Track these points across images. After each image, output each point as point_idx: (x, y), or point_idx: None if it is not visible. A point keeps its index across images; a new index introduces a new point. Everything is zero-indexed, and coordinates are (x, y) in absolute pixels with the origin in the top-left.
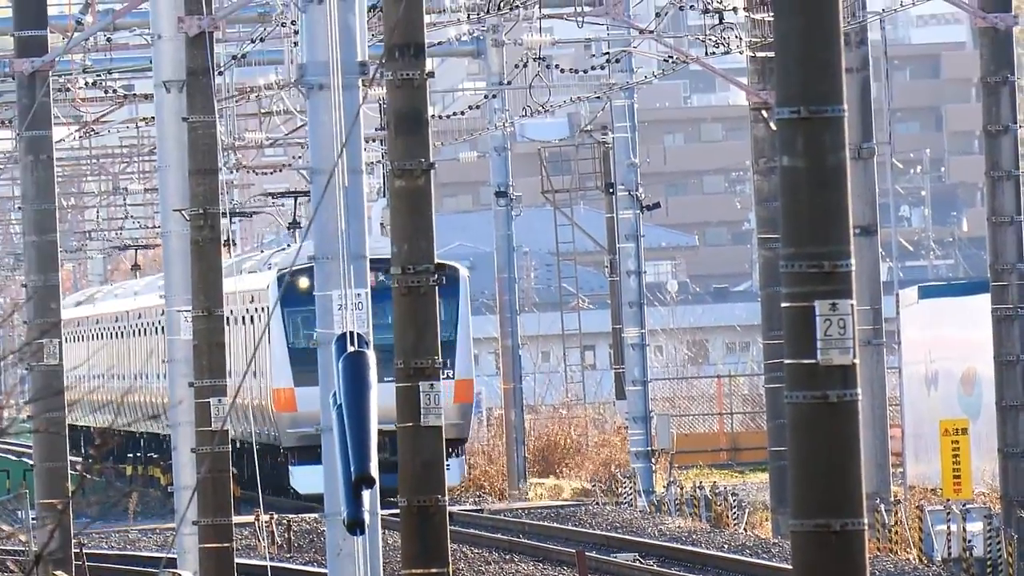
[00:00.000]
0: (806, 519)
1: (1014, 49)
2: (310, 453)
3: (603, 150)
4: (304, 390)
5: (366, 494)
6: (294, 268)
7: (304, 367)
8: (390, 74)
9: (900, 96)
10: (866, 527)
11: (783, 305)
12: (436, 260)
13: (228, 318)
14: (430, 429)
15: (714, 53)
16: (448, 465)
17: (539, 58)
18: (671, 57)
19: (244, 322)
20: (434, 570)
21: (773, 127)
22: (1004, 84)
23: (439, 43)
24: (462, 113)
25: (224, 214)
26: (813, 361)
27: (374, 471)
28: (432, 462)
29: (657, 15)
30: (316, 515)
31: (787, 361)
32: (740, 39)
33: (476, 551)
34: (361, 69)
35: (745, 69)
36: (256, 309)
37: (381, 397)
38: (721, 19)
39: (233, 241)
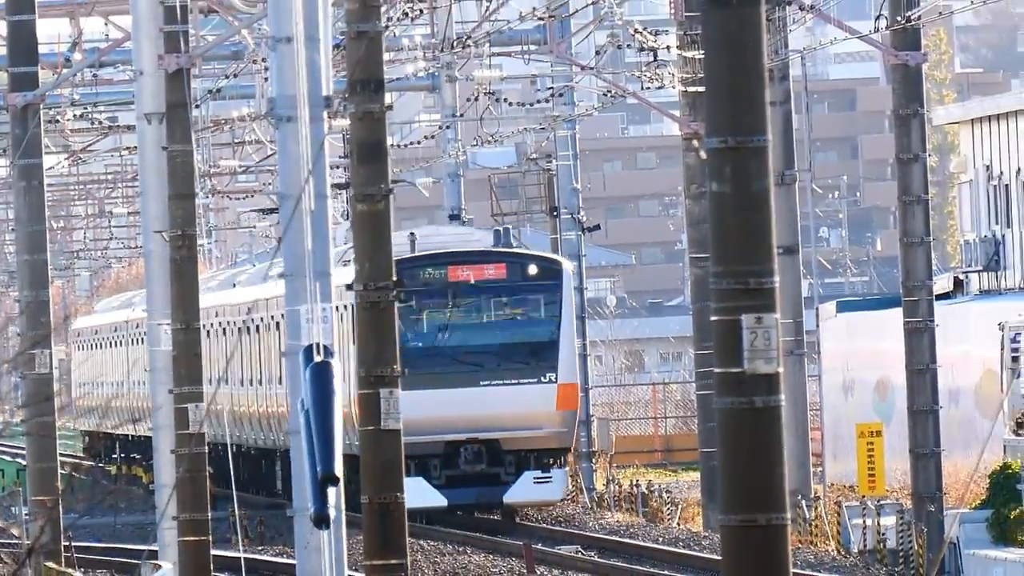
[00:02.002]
0: (734, 514)
1: (923, 84)
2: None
3: (547, 176)
4: None
5: (331, 491)
6: None
7: None
8: (352, 107)
9: (819, 127)
10: (789, 521)
11: (713, 319)
12: (534, 253)
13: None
14: (389, 432)
15: (649, 88)
16: (550, 477)
17: (489, 92)
18: (610, 91)
19: None
20: (393, 561)
21: (703, 156)
22: (914, 116)
23: (397, 78)
24: (419, 143)
25: (267, 211)
26: (740, 370)
27: (338, 471)
28: (391, 462)
29: (597, 53)
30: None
31: (716, 370)
32: (673, 75)
33: (432, 544)
34: (326, 103)
35: (677, 102)
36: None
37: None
38: (655, 57)
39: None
